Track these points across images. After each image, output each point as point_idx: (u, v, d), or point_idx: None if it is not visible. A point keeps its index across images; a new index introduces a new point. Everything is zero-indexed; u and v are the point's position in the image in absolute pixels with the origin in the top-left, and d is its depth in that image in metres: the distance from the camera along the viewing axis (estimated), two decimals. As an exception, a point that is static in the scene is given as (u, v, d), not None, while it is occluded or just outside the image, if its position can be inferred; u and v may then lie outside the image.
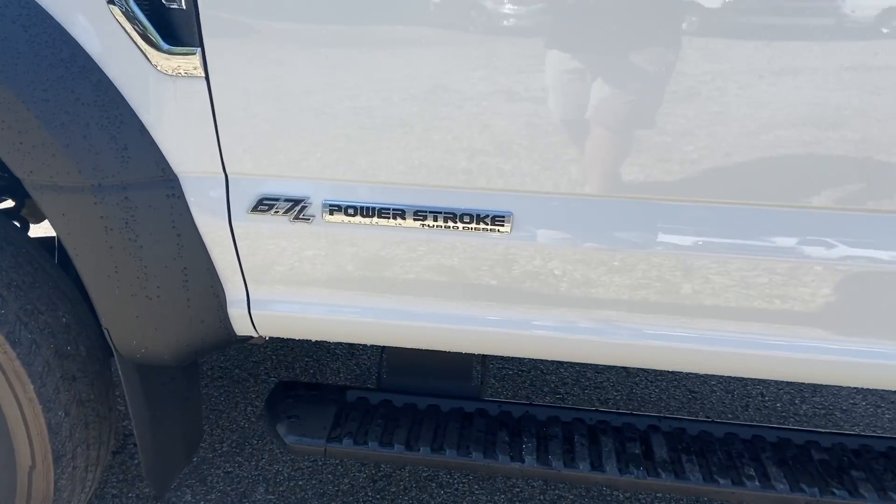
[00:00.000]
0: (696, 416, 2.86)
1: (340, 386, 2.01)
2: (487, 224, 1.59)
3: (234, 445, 2.91)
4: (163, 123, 1.59)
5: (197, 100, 1.57)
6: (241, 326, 1.81)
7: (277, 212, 1.65)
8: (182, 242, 1.65)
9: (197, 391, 2.02)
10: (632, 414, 1.90)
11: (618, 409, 3.03)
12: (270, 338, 1.88)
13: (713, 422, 1.86)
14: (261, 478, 2.72)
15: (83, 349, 1.89)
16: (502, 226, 1.59)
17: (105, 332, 1.72)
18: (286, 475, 2.74)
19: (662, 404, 3.20)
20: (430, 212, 1.61)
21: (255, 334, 1.83)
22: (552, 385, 3.34)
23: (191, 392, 1.98)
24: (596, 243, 1.58)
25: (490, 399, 1.97)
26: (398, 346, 1.82)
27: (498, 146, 1.54)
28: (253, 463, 2.81)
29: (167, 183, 1.62)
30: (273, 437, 1.88)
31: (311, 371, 3.42)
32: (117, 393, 2.07)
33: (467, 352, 1.81)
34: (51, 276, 1.84)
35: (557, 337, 1.67)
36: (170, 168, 1.62)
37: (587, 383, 3.35)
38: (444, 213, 1.60)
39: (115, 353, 1.76)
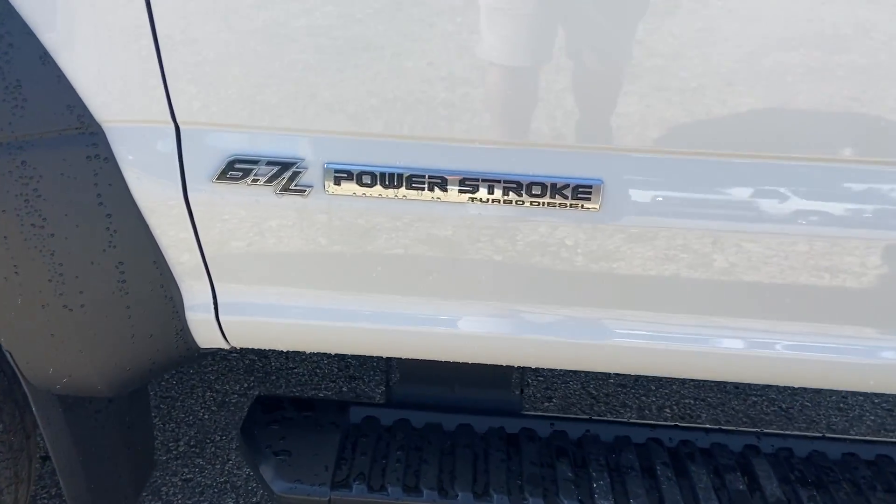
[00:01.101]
0: (790, 430, 2.35)
1: (340, 402, 1.52)
2: (567, 197, 1.10)
3: (192, 444, 2.39)
4: (76, 45, 1.03)
5: (126, 5, 1.02)
6: (206, 337, 1.29)
7: (257, 180, 1.12)
8: (114, 225, 1.12)
9: (145, 414, 1.51)
10: (720, 430, 1.47)
11: (680, 422, 2.49)
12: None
13: (825, 437, 1.45)
14: (228, 485, 2.23)
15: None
16: (588, 199, 1.10)
17: (6, 354, 1.19)
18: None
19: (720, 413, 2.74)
20: (484, 179, 1.11)
21: (224, 346, 1.32)
22: (588, 387, 2.86)
23: (137, 416, 1.47)
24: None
25: (536, 414, 1.52)
26: (424, 358, 1.35)
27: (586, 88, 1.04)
28: (217, 466, 2.31)
29: (86, 137, 1.07)
30: (256, 480, 1.39)
31: (291, 367, 2.87)
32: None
33: (519, 365, 1.35)
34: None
35: (659, 349, 1.22)
36: (89, 114, 1.07)
37: (626, 380, 2.84)
38: (504, 181, 1.10)
39: (23, 385, 1.23)
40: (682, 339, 1.21)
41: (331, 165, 1.12)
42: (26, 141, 1.03)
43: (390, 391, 1.56)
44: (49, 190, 1.06)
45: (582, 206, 1.10)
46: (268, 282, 1.24)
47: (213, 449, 2.38)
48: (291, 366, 2.77)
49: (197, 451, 2.37)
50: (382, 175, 1.12)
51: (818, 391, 2.79)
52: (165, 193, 1.13)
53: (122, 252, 1.14)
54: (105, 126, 1.09)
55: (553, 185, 1.10)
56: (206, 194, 1.14)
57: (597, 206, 1.11)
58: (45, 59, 1.02)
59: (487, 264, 1.19)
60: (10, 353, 1.18)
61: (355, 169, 1.12)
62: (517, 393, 1.55)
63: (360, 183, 1.12)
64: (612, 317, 1.22)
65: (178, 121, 1.11)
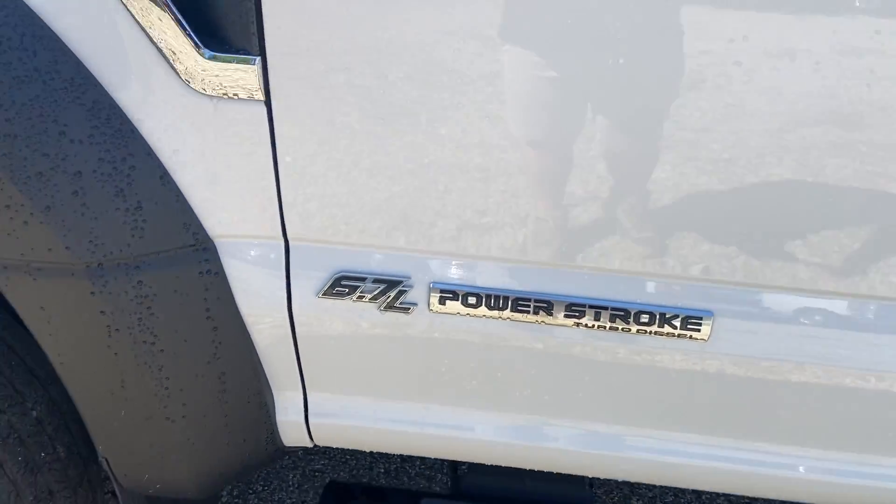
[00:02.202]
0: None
1: (412, 491, 1.51)
2: (676, 327, 1.10)
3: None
4: (196, 166, 1.04)
5: (250, 131, 1.02)
6: (293, 437, 1.29)
7: (362, 297, 1.12)
8: (219, 339, 1.12)
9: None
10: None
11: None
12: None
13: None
14: None
15: (61, 450, 1.35)
16: (698, 329, 1.10)
17: (103, 461, 1.18)
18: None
19: None
20: (591, 306, 1.10)
21: (309, 444, 1.32)
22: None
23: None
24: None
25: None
26: (511, 466, 1.34)
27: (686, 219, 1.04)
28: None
29: (200, 253, 1.07)
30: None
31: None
32: (106, 494, 1.54)
33: (608, 478, 1.34)
34: (11, 353, 1.29)
35: (754, 472, 1.21)
36: (204, 231, 1.07)
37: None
38: (611, 308, 1.10)
39: (115, 485, 1.23)
40: (780, 466, 1.20)
41: (437, 285, 1.12)
42: (143, 261, 1.03)
43: (458, 481, 1.55)
44: (162, 307, 1.06)
45: (691, 336, 1.10)
46: (361, 391, 1.23)
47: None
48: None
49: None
50: (488, 297, 1.11)
51: None
52: (270, 306, 1.13)
53: (224, 363, 1.14)
54: (217, 241, 1.09)
55: (662, 315, 1.10)
56: (310, 308, 1.14)
57: (706, 337, 1.10)
58: (164, 178, 1.03)
59: (584, 384, 1.18)
60: (106, 460, 1.18)
61: (461, 290, 1.12)
62: (588, 488, 1.54)
63: (465, 304, 1.12)
64: (705, 442, 1.21)
65: (288, 236, 1.11)
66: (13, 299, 1.01)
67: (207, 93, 0.99)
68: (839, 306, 1.10)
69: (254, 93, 0.99)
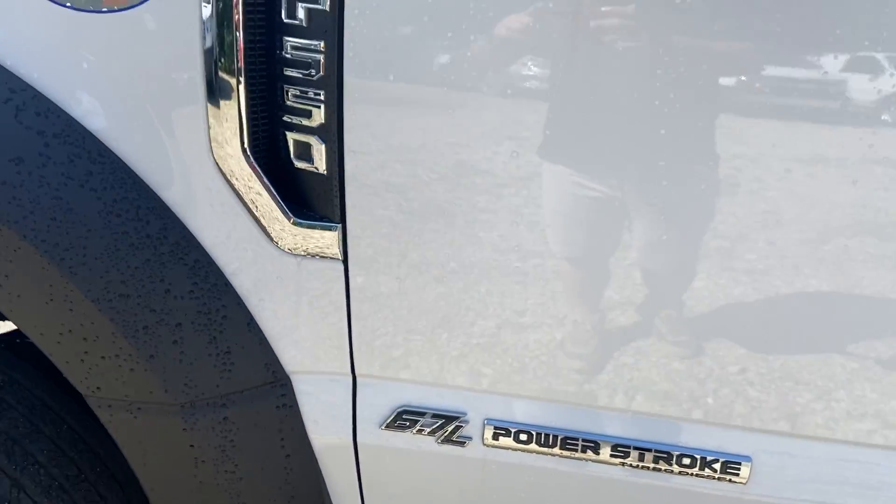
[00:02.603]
0: None
1: None
2: (716, 471, 1.17)
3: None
4: (278, 312, 1.16)
5: (328, 284, 1.15)
6: (350, 550, 1.38)
7: (422, 430, 1.22)
8: (291, 465, 1.22)
9: None
10: None
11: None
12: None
13: None
14: None
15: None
16: (737, 473, 1.17)
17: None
18: None
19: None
20: (636, 447, 1.18)
21: (364, 559, 1.40)
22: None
23: None
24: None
25: None
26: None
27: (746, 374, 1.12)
28: None
29: (277, 389, 1.19)
30: None
31: None
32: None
33: None
34: (97, 460, 1.40)
35: None
36: (282, 369, 1.19)
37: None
38: (655, 450, 1.18)
39: None
40: None
41: (491, 422, 1.21)
42: (230, 399, 1.15)
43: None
44: (243, 439, 1.17)
45: (730, 479, 1.17)
46: (417, 513, 1.32)
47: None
48: None
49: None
50: (539, 434, 1.20)
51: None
52: (338, 436, 1.24)
53: (294, 487, 1.24)
54: (293, 377, 1.21)
55: (703, 459, 1.17)
56: (374, 439, 1.24)
57: (744, 481, 1.17)
58: (251, 325, 1.15)
59: (629, 516, 1.25)
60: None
61: (514, 427, 1.21)
62: None
63: (517, 440, 1.21)
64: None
65: (356, 373, 1.22)
66: (115, 433, 1.14)
67: (293, 252, 1.12)
68: (878, 456, 1.16)
69: (334, 253, 1.12)
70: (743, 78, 0.97)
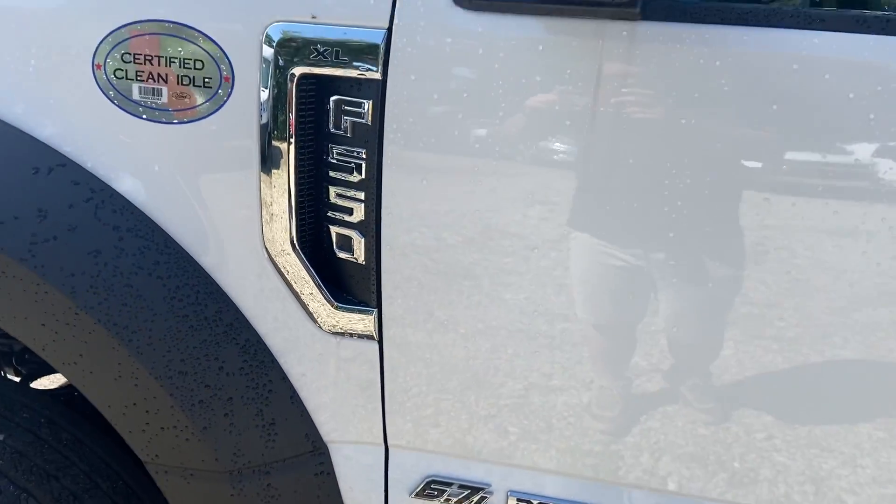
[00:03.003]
0: None
1: None
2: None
3: None
4: (319, 388, 1.27)
5: (364, 363, 1.25)
6: None
7: (449, 500, 1.30)
8: (327, 528, 1.32)
9: None
10: None
11: None
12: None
13: None
14: None
15: None
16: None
17: None
18: None
19: None
20: (653, 522, 1.25)
21: None
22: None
23: None
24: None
25: None
26: None
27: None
28: None
29: (316, 457, 1.29)
30: None
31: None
32: None
33: None
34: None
35: None
36: (320, 438, 1.29)
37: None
38: (669, 523, 1.25)
39: None
40: None
41: (514, 493, 1.29)
42: (273, 467, 1.25)
43: None
44: (284, 504, 1.27)
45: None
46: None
47: None
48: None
49: None
50: (557, 504, 1.28)
51: None
52: (371, 502, 1.33)
53: (329, 550, 1.33)
54: (330, 446, 1.31)
55: (714, 534, 1.23)
56: (404, 505, 1.33)
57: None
58: (294, 398, 1.26)
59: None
60: None
61: (535, 499, 1.29)
62: None
63: (539, 511, 1.29)
64: None
65: (388, 443, 1.32)
66: (169, 496, 1.25)
67: (333, 331, 1.23)
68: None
69: (370, 334, 1.23)
70: (769, 157, 1.06)
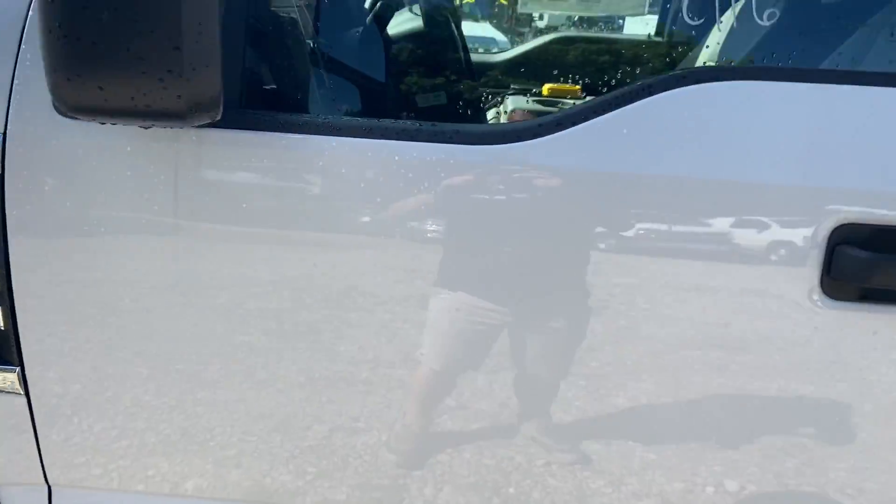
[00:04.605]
0: None
1: None
2: None
3: None
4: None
5: (15, 413, 1.44)
6: None
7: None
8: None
9: None
10: None
11: None
12: None
13: None
14: None
15: None
16: None
17: None
18: None
19: None
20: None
21: None
22: None
23: None
24: None
25: None
26: None
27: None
28: None
29: (-15, 499, 1.46)
30: None
31: None
32: None
33: None
34: None
35: None
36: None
37: None
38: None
39: None
40: None
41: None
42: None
43: None
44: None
45: None
46: None
47: None
48: None
49: None
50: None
51: None
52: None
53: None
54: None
55: None
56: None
57: None
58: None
59: None
60: None
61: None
62: None
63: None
64: None
65: (49, 482, 1.49)
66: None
67: None
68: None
69: (16, 389, 1.41)
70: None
